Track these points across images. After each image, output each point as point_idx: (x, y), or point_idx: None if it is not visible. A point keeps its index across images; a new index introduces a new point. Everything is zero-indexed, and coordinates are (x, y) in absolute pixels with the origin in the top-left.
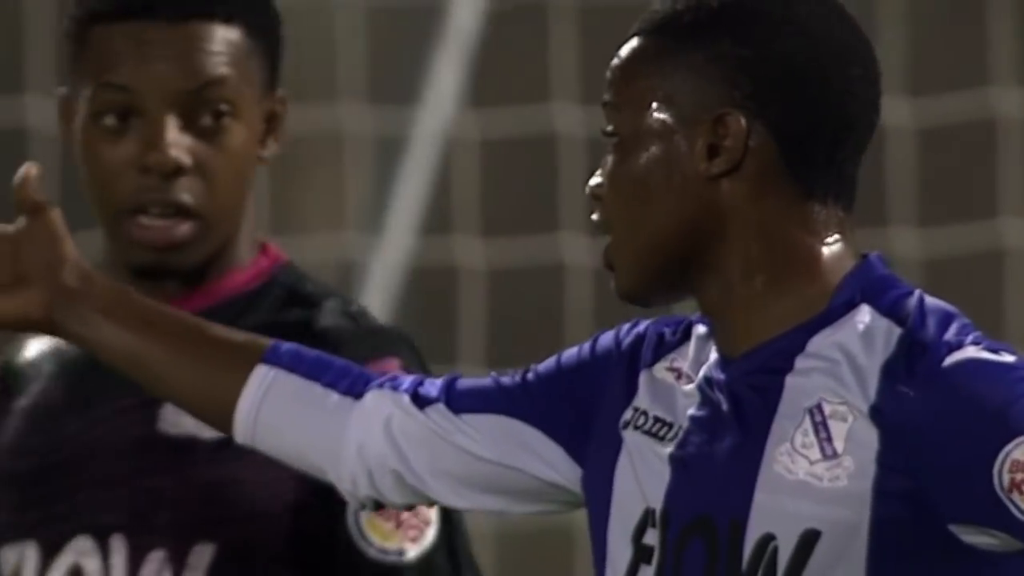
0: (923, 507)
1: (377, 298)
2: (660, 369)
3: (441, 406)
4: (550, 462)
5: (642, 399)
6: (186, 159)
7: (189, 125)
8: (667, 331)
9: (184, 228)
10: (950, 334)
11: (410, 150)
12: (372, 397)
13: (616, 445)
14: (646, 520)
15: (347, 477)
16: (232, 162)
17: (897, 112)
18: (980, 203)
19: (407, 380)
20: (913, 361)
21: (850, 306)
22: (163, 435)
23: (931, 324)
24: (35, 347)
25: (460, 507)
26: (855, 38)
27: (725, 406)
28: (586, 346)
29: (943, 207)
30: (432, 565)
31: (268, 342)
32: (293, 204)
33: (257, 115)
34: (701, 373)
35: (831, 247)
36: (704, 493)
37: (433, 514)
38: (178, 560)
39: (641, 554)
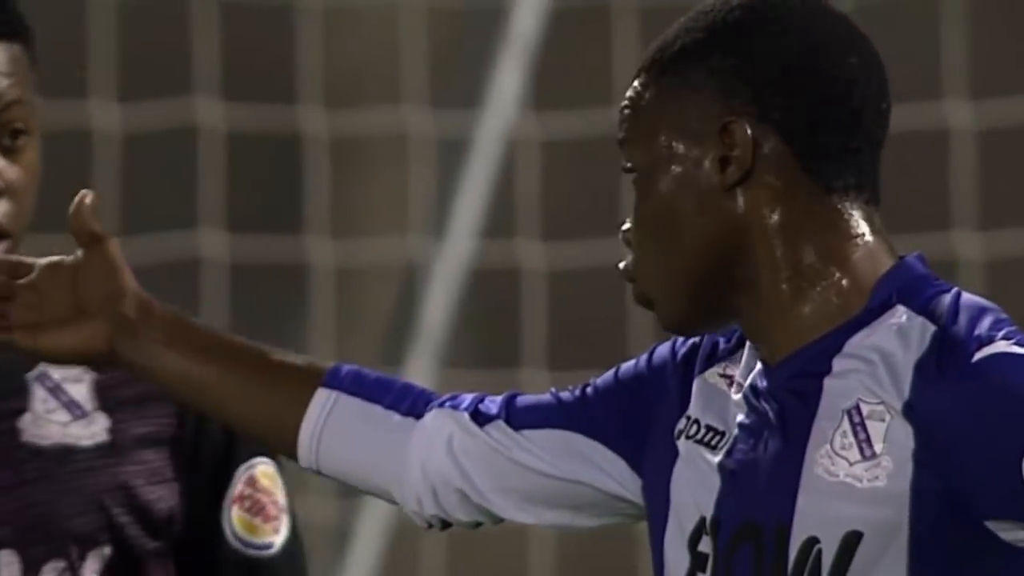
0: (959, 504)
1: (440, 301)
2: (713, 375)
3: (501, 423)
4: (612, 474)
5: (695, 407)
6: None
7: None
8: (721, 340)
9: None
10: (982, 329)
11: (473, 153)
12: (432, 417)
13: (672, 454)
14: (701, 528)
15: (412, 497)
16: (32, 179)
17: (959, 115)
18: None
19: (467, 398)
20: (944, 357)
21: (886, 307)
22: (31, 446)
23: (963, 320)
24: None
25: (526, 522)
26: (846, 29)
27: (769, 413)
28: (643, 358)
29: (1006, 209)
30: (293, 552)
31: (328, 365)
32: (356, 207)
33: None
34: (747, 381)
35: (861, 245)
36: (750, 500)
37: (284, 501)
38: (75, 568)
39: (697, 562)
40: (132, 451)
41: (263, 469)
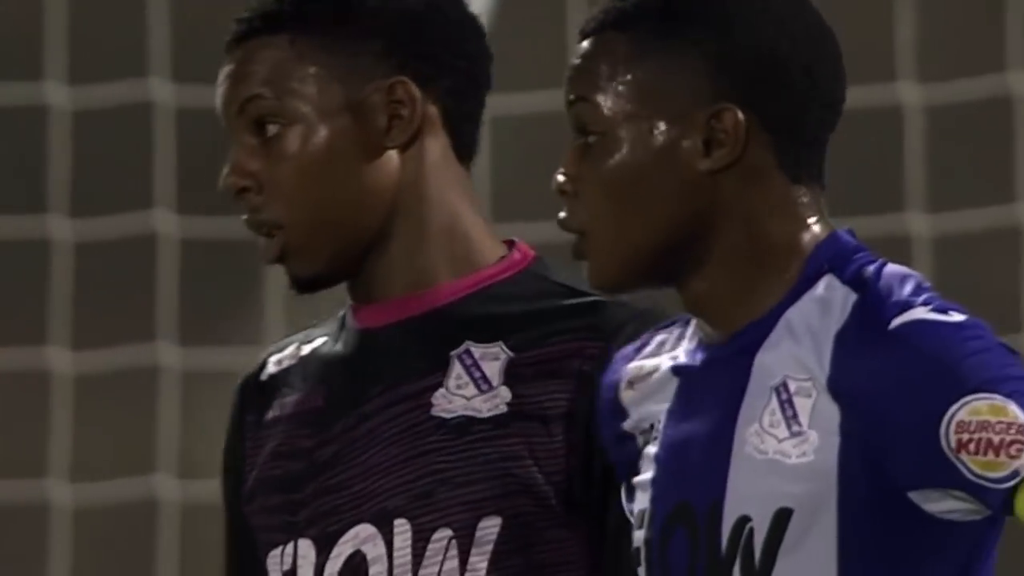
0: (882, 475)
1: None
2: (624, 389)
3: None
4: None
5: (629, 421)
6: (243, 180)
7: (250, 143)
8: (624, 360)
9: (271, 243)
10: (901, 296)
11: None
12: None
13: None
14: (639, 523)
15: None
16: (292, 168)
17: (910, 95)
18: (996, 185)
19: None
20: (863, 325)
21: (816, 278)
22: (437, 419)
23: (883, 288)
24: (275, 365)
25: None
26: (820, 21)
27: (697, 393)
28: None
29: (957, 188)
30: None
31: None
32: None
33: (326, 112)
34: (665, 366)
35: (809, 229)
36: (682, 481)
37: None
38: (465, 537)
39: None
40: (526, 425)
41: None
